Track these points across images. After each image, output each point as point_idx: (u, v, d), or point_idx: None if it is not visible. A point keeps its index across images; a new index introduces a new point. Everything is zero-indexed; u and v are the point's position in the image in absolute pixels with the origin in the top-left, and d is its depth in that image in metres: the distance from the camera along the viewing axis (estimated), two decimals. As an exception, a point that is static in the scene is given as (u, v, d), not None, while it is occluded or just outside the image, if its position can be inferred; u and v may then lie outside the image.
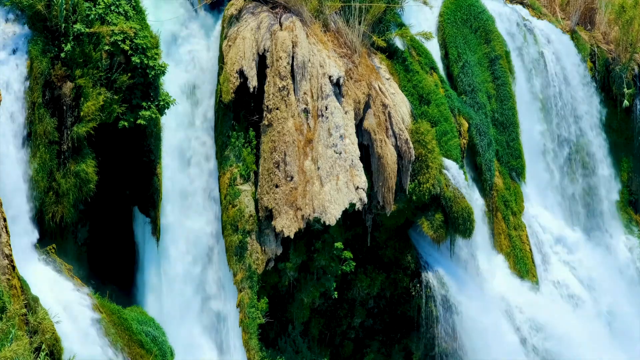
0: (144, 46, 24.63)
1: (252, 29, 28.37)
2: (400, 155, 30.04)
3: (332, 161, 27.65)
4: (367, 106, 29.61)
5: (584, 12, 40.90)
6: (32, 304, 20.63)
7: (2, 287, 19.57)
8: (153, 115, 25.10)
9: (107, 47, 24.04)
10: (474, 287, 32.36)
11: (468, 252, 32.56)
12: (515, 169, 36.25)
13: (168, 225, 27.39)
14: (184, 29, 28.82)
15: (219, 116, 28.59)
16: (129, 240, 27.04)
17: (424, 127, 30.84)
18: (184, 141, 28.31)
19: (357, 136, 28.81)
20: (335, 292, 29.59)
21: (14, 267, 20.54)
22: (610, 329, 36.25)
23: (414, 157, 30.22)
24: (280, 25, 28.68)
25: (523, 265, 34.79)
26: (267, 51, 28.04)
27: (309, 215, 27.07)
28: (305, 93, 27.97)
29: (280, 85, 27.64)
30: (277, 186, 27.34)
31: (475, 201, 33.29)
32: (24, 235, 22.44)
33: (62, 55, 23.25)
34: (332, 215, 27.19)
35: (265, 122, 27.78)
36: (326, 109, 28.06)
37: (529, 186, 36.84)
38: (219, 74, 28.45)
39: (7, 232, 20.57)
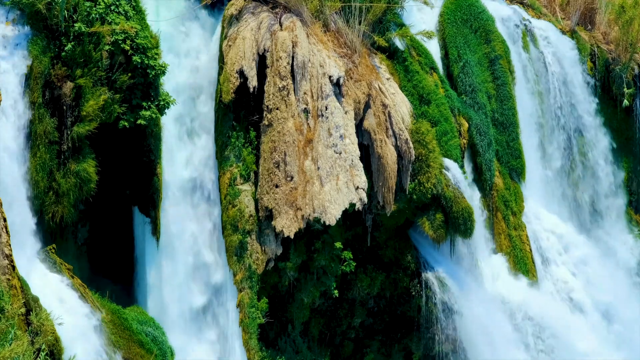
0: (145, 46, 24.63)
1: (252, 29, 28.37)
2: (400, 155, 30.04)
3: (332, 161, 27.65)
4: (367, 106, 29.61)
5: (584, 12, 40.87)
6: (32, 304, 20.63)
7: (2, 287, 19.57)
8: (153, 115, 25.10)
9: (107, 47, 24.03)
10: (474, 286, 32.36)
11: (468, 252, 32.57)
12: (515, 169, 36.25)
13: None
14: (184, 28, 28.82)
15: (219, 116, 28.59)
16: (129, 240, 27.04)
17: (424, 127, 30.84)
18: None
19: (357, 136, 28.80)
20: (336, 291, 29.59)
21: (14, 267, 20.54)
22: (610, 329, 36.23)
23: (414, 157, 30.22)
24: (281, 25, 28.68)
25: (523, 265, 34.79)
26: (267, 51, 28.04)
27: (309, 215, 27.07)
28: (305, 93, 27.97)
29: (280, 85, 27.64)
30: (277, 186, 27.34)
31: (475, 201, 33.28)
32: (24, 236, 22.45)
33: (63, 54, 23.23)
34: (332, 215, 27.19)
35: (265, 122, 27.78)
36: (326, 109, 28.06)
37: (529, 186, 36.83)
38: (219, 74, 28.45)
39: (7, 232, 20.56)
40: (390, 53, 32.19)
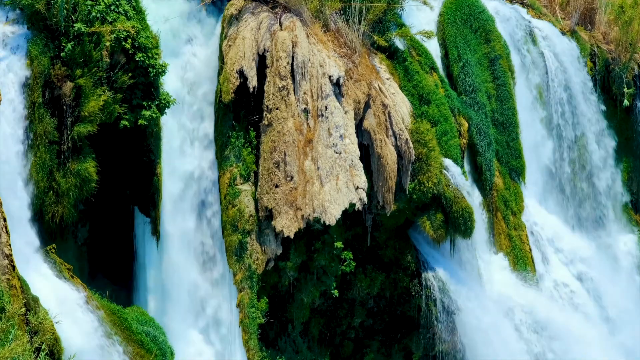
0: (145, 46, 24.64)
1: (252, 29, 28.37)
2: (400, 155, 30.04)
3: (332, 161, 27.65)
4: (367, 106, 29.61)
5: (584, 12, 40.87)
6: (32, 304, 20.62)
7: (2, 287, 19.56)
8: (154, 115, 25.10)
9: (109, 43, 23.99)
10: (474, 286, 32.36)
11: (468, 252, 32.56)
12: (515, 169, 36.25)
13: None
14: (184, 28, 28.82)
15: (219, 116, 28.59)
16: (129, 240, 27.04)
17: (424, 126, 30.84)
18: None
19: (357, 136, 28.80)
20: (336, 291, 29.59)
21: (14, 267, 20.53)
22: (610, 329, 36.24)
23: (414, 156, 30.22)
24: (280, 25, 28.68)
25: (523, 265, 34.80)
26: (267, 51, 28.04)
27: (309, 215, 27.07)
28: (305, 93, 27.97)
29: (280, 85, 27.64)
30: (277, 186, 27.34)
31: (475, 201, 33.28)
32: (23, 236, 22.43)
33: (62, 55, 23.23)
34: (332, 215, 27.19)
35: (265, 122, 27.78)
36: (326, 109, 28.06)
37: (529, 186, 36.84)
38: (219, 74, 28.45)
39: (7, 232, 20.55)
40: (390, 53, 32.18)
